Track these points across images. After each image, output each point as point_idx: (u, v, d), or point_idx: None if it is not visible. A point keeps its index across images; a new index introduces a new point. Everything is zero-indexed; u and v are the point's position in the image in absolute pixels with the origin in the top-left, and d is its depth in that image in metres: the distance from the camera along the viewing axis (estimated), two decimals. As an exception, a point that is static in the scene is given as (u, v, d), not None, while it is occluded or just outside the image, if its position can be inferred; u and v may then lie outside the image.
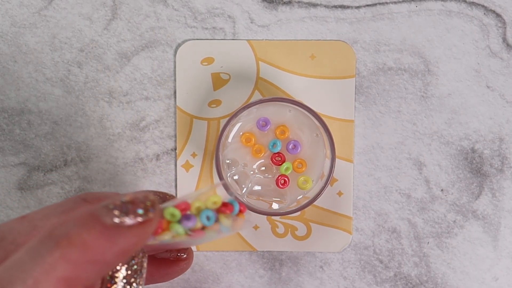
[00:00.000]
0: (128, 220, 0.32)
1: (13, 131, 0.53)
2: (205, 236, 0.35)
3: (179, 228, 0.34)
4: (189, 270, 0.53)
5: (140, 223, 0.32)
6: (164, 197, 0.42)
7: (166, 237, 0.34)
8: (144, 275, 0.36)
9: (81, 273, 0.30)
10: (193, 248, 0.53)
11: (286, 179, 0.50)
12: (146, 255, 0.36)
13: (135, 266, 0.35)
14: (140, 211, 0.32)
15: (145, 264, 0.36)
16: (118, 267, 0.35)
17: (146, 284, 0.41)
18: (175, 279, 0.53)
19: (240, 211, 0.37)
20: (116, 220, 0.31)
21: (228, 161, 0.50)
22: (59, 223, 0.31)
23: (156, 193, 0.42)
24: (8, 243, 0.34)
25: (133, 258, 0.36)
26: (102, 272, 0.32)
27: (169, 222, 0.34)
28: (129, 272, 0.35)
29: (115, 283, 0.35)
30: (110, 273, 0.35)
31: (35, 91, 0.53)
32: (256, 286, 0.54)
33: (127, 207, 0.32)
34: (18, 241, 0.34)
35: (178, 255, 0.44)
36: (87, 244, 0.30)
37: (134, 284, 0.35)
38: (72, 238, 0.30)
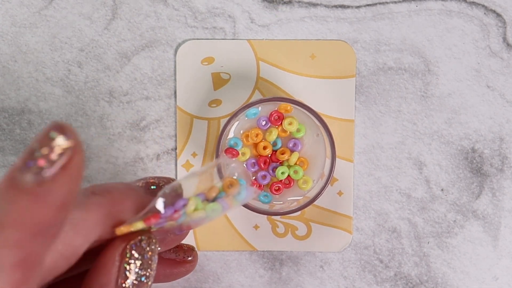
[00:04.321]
0: (48, 171, 0.27)
1: (13, 131, 0.53)
2: (223, 206, 0.35)
3: (197, 200, 0.34)
4: (189, 269, 0.53)
5: (63, 168, 0.28)
6: (168, 182, 0.41)
7: (200, 216, 0.34)
8: (154, 273, 0.36)
9: (30, 249, 0.28)
10: (196, 250, 0.53)
11: (280, 185, 0.50)
12: (157, 253, 0.36)
13: (146, 263, 0.35)
14: (55, 156, 0.27)
15: (155, 264, 0.36)
16: (131, 261, 0.34)
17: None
18: (175, 278, 0.53)
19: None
20: (36, 177, 0.27)
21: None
22: None
23: (160, 179, 0.41)
24: None
25: (145, 253, 0.35)
26: (52, 236, 0.29)
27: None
28: (140, 269, 0.35)
29: (127, 278, 0.35)
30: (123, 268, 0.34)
31: (35, 91, 0.53)
32: (256, 286, 0.54)
33: (39, 155, 0.27)
34: None
35: (184, 257, 0.44)
36: (19, 219, 0.27)
37: (144, 279, 0.35)
38: (3, 220, 0.27)
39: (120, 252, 0.34)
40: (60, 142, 0.27)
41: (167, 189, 0.35)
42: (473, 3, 0.52)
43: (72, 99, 0.53)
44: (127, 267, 0.34)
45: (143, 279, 0.35)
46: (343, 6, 0.53)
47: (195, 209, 0.35)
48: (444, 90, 0.53)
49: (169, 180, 0.40)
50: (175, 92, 0.53)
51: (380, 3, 0.53)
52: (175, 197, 0.35)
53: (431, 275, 0.53)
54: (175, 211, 0.35)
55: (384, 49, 0.53)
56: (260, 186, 0.50)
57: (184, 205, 0.35)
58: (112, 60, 0.53)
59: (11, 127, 0.53)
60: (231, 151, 0.49)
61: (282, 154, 0.50)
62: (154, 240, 0.35)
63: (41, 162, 0.27)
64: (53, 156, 0.27)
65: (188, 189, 0.35)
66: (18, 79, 0.53)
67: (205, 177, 0.36)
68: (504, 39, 0.53)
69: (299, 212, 0.53)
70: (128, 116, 0.53)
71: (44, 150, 0.27)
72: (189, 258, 0.44)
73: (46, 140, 0.28)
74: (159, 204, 0.35)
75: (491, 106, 0.53)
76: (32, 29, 0.53)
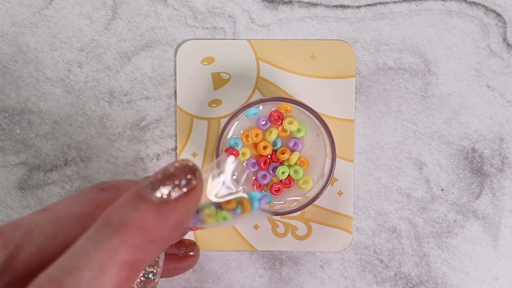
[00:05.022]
0: (174, 193, 0.32)
1: (13, 131, 0.53)
2: (249, 216, 0.36)
3: (227, 215, 0.35)
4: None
5: (186, 193, 0.33)
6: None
7: (212, 223, 0.35)
8: (161, 270, 0.36)
9: (143, 254, 0.31)
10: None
11: (280, 186, 0.50)
12: (163, 251, 0.37)
13: (153, 261, 0.36)
14: (183, 182, 0.33)
15: (161, 261, 0.36)
16: None
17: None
18: (176, 278, 0.53)
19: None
20: (163, 195, 0.32)
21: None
22: (111, 210, 0.32)
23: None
24: (36, 235, 0.34)
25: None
26: (162, 249, 0.33)
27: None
28: (147, 266, 0.35)
29: None
30: None
31: (35, 91, 0.53)
32: (256, 286, 0.54)
33: (170, 179, 0.33)
34: (45, 233, 0.34)
35: (186, 252, 0.45)
36: (142, 226, 0.31)
37: (151, 276, 0.35)
38: (127, 222, 0.31)
39: None
40: (190, 176, 0.33)
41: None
42: (473, 3, 0.52)
43: (72, 99, 0.53)
44: None
45: (150, 276, 0.35)
46: (343, 6, 0.53)
47: (209, 216, 0.35)
48: (444, 90, 0.53)
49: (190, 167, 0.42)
50: (175, 92, 0.53)
51: (380, 3, 0.53)
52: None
53: (431, 275, 0.53)
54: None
55: (384, 49, 0.53)
56: (260, 186, 0.50)
57: (198, 211, 0.35)
58: (112, 60, 0.53)
59: (11, 127, 0.53)
60: (231, 151, 0.49)
61: (283, 154, 0.50)
62: None
63: (169, 187, 0.32)
64: (181, 184, 0.33)
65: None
66: (18, 79, 0.53)
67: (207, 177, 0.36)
68: (504, 39, 0.53)
69: (299, 212, 0.53)
70: (128, 116, 0.53)
71: (175, 177, 0.33)
72: (191, 253, 0.45)
73: (178, 171, 0.33)
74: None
75: (491, 106, 0.53)
76: (32, 29, 0.53)
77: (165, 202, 0.32)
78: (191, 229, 0.39)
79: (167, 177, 0.33)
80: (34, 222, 0.34)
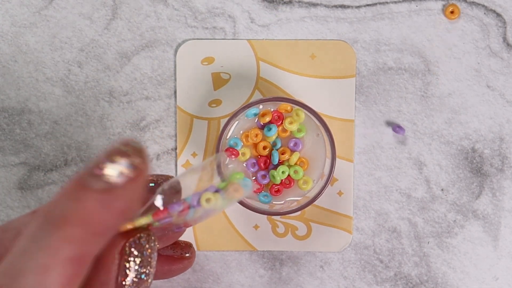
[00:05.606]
0: (118, 179, 0.30)
1: (13, 131, 0.53)
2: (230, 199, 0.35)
3: (208, 193, 0.34)
4: (189, 269, 0.53)
5: (131, 178, 0.30)
6: (167, 179, 0.41)
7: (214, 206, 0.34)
8: (154, 270, 0.36)
9: (88, 247, 0.30)
10: (194, 247, 0.53)
11: (279, 187, 0.50)
12: (156, 251, 0.36)
13: (146, 261, 0.35)
14: (127, 165, 0.30)
15: (154, 261, 0.36)
16: (131, 259, 0.35)
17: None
18: (176, 278, 0.53)
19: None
20: (106, 182, 0.29)
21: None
22: (51, 203, 0.30)
23: (158, 176, 0.41)
24: None
25: (144, 251, 0.35)
26: (107, 238, 0.31)
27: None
28: (140, 266, 0.35)
29: (127, 275, 0.35)
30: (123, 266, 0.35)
31: (35, 91, 0.53)
32: (256, 286, 0.54)
33: (113, 164, 0.30)
34: None
35: (181, 254, 0.45)
36: (85, 218, 0.29)
37: (144, 277, 0.35)
38: (68, 216, 0.29)
39: (120, 249, 0.34)
40: (135, 159, 0.30)
41: (165, 186, 0.35)
42: (473, 3, 0.52)
43: (72, 99, 0.53)
44: (127, 265, 0.34)
45: (143, 276, 0.35)
46: (343, 6, 0.53)
47: (208, 199, 0.35)
48: (444, 90, 0.53)
49: (167, 178, 0.41)
50: (175, 92, 0.53)
51: (380, 3, 0.53)
52: (174, 194, 0.35)
53: (431, 275, 0.53)
54: (183, 208, 0.35)
55: (384, 49, 0.53)
56: (260, 186, 0.50)
57: (194, 203, 0.35)
58: (112, 60, 0.53)
59: (11, 127, 0.53)
60: (232, 151, 0.49)
61: (283, 154, 0.50)
62: (153, 238, 0.35)
63: (113, 171, 0.29)
64: (125, 169, 0.30)
65: (187, 186, 0.36)
66: (18, 79, 0.53)
67: (205, 173, 0.36)
68: (504, 39, 0.53)
69: (299, 212, 0.53)
70: (128, 116, 0.53)
71: (118, 161, 0.30)
72: (187, 255, 0.44)
73: (121, 153, 0.30)
74: (158, 201, 0.35)
75: (491, 106, 0.53)
76: (32, 29, 0.53)
77: (108, 189, 0.29)
78: (180, 227, 0.39)
79: (109, 161, 0.30)
80: (23, 225, 0.34)
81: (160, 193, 0.35)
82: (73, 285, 0.29)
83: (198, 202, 0.35)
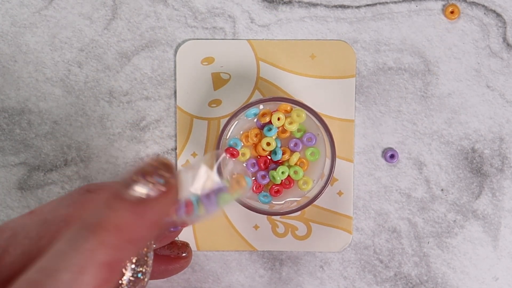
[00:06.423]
0: (152, 192, 0.32)
1: (13, 131, 0.53)
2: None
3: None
4: (189, 269, 0.53)
5: (164, 192, 0.32)
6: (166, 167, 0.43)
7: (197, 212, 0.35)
8: (150, 269, 0.36)
9: (121, 254, 0.31)
10: (193, 247, 0.53)
11: (279, 188, 0.50)
12: (152, 250, 0.37)
13: (142, 260, 0.36)
14: (160, 180, 0.32)
15: (150, 260, 0.36)
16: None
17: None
18: (176, 278, 0.53)
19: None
20: (140, 194, 0.32)
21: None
22: (88, 211, 0.32)
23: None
24: (22, 238, 0.34)
25: (141, 250, 0.36)
26: (139, 247, 0.33)
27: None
28: (136, 266, 0.35)
29: (123, 274, 0.35)
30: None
31: (35, 91, 0.53)
32: (256, 286, 0.54)
33: (147, 178, 0.32)
34: (31, 235, 0.34)
35: (178, 253, 0.45)
36: (119, 226, 0.31)
37: (140, 276, 0.35)
38: (104, 223, 0.31)
39: None
40: (166, 175, 0.33)
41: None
42: (473, 3, 0.52)
43: (72, 99, 0.53)
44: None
45: (139, 275, 0.35)
46: (343, 6, 0.53)
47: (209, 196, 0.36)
48: (444, 90, 0.53)
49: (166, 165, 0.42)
50: (175, 92, 0.53)
51: (380, 3, 0.53)
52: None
53: (431, 275, 0.53)
54: (188, 208, 0.35)
55: (384, 49, 0.53)
56: (259, 186, 0.50)
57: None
58: (112, 60, 0.53)
59: (11, 127, 0.53)
60: (232, 150, 0.49)
61: (283, 154, 0.50)
62: None
63: (147, 185, 0.32)
64: (159, 180, 0.32)
65: (187, 185, 0.36)
66: (18, 79, 0.53)
67: (204, 171, 0.36)
68: (504, 39, 0.53)
69: (299, 212, 0.53)
70: (128, 116, 0.53)
71: (152, 176, 0.33)
72: (184, 254, 0.45)
73: (155, 169, 0.33)
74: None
75: (491, 106, 0.53)
76: (32, 29, 0.53)
77: (142, 201, 0.32)
78: (177, 226, 0.39)
79: (143, 175, 0.32)
80: (19, 225, 0.35)
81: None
82: None
83: (201, 201, 0.35)
